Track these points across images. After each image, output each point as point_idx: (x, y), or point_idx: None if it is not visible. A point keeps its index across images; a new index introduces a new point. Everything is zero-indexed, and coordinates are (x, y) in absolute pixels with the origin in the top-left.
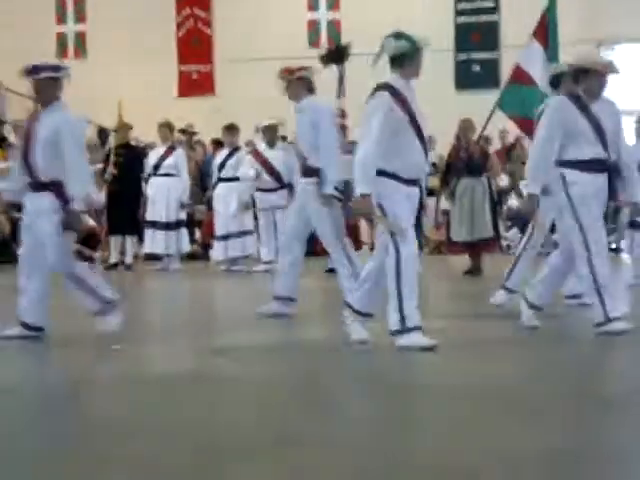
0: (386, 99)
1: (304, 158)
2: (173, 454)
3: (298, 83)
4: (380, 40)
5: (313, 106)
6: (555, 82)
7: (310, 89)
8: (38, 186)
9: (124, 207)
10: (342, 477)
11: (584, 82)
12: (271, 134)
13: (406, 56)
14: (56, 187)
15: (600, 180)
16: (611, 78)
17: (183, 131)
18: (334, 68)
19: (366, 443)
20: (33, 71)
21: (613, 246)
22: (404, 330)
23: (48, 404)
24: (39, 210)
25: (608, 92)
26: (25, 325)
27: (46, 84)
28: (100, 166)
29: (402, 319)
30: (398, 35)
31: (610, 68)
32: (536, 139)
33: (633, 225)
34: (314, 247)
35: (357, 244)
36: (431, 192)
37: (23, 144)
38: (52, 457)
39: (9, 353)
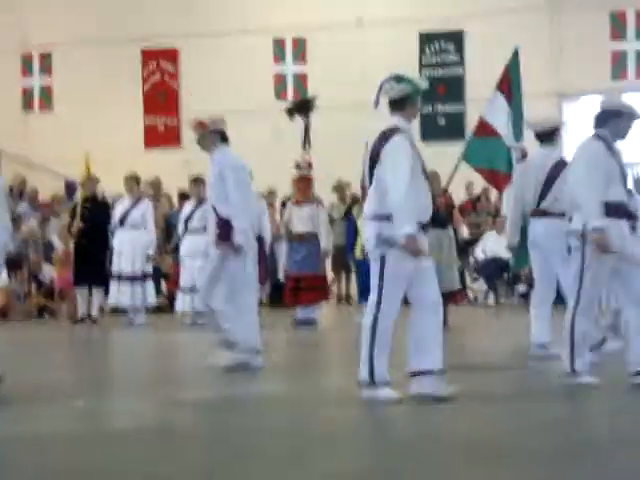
0: (406, 141)
1: (214, 209)
2: None
3: (210, 136)
4: (345, 92)
5: (221, 159)
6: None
7: (224, 139)
8: None
9: (91, 259)
10: None
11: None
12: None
13: (408, 99)
14: None
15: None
16: (572, 129)
17: (136, 179)
18: (301, 120)
19: None
20: None
21: None
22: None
23: (8, 458)
24: None
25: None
26: None
27: None
28: (67, 220)
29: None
30: (399, 78)
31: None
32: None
33: None
34: (282, 298)
35: (324, 294)
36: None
37: None
38: None
39: None
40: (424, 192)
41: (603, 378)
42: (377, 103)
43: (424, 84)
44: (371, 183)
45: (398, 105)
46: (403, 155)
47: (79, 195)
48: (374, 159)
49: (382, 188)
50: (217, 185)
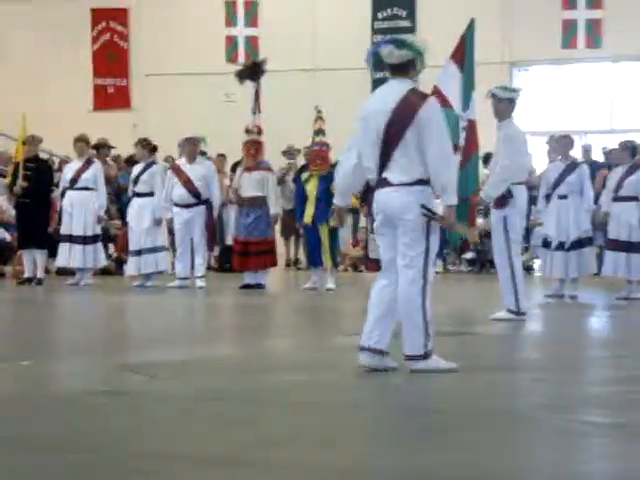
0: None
1: None
2: (76, 468)
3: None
4: (297, 56)
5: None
6: None
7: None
8: None
9: (34, 221)
10: None
11: None
12: (191, 148)
13: (410, 63)
14: None
15: None
16: (523, 99)
17: (96, 147)
18: (252, 84)
19: (276, 458)
20: None
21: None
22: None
23: None
24: None
25: (519, 113)
26: None
27: None
28: (7, 179)
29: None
30: (400, 43)
31: None
32: None
33: (545, 245)
34: (230, 263)
35: (273, 259)
36: (351, 210)
37: None
38: None
39: None
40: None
41: None
42: (369, 63)
43: (424, 47)
44: (393, 148)
45: (401, 69)
46: (444, 122)
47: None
48: (403, 121)
49: (419, 154)
50: None
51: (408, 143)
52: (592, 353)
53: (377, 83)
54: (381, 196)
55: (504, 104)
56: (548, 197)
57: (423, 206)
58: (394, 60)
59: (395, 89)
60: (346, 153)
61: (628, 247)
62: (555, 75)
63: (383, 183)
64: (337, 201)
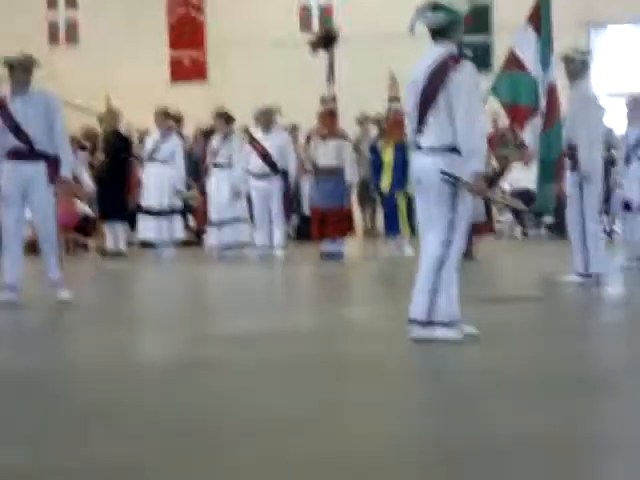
0: (475, 70)
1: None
2: (164, 436)
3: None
4: (371, 24)
5: None
6: None
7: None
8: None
9: (113, 194)
10: (330, 459)
11: None
12: (266, 119)
13: (449, 27)
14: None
15: None
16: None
17: (166, 114)
18: (325, 54)
19: (353, 426)
20: None
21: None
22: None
23: (45, 389)
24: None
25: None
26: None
27: None
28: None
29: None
30: (435, 6)
31: None
32: None
33: (627, 208)
34: (309, 232)
35: (350, 228)
36: None
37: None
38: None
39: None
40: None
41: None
42: (412, 30)
43: (463, 9)
44: (426, 112)
45: (441, 34)
46: (477, 87)
47: (100, 129)
48: (436, 85)
49: (449, 119)
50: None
51: (440, 107)
52: None
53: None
54: (414, 160)
55: (577, 65)
56: (628, 159)
57: (444, 172)
58: (431, 25)
59: (433, 54)
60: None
61: None
62: (634, 34)
63: (417, 147)
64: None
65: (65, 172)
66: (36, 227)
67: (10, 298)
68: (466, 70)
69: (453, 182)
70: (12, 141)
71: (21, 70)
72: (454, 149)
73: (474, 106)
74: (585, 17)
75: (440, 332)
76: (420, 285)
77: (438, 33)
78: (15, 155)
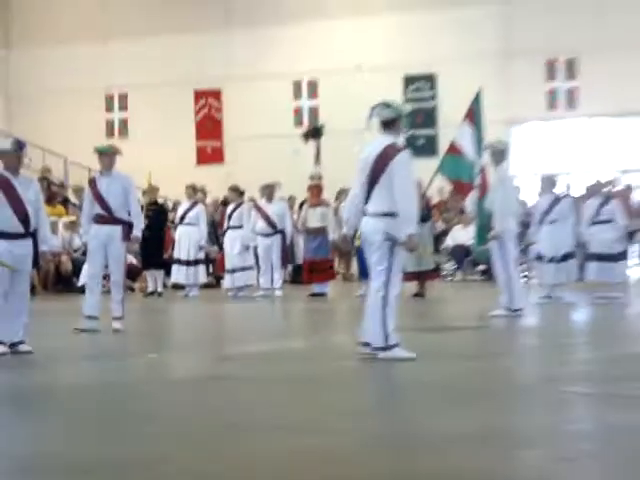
0: (410, 156)
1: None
2: (199, 431)
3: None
4: (347, 120)
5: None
6: None
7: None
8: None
9: (153, 249)
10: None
11: None
12: (269, 192)
13: (395, 120)
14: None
15: None
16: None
17: (194, 188)
18: (314, 143)
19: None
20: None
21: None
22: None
23: (93, 403)
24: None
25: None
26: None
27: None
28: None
29: (386, 337)
30: (386, 104)
31: None
32: None
33: (539, 259)
34: (300, 277)
35: (332, 274)
36: None
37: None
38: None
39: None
40: (417, 198)
41: None
42: (367, 125)
43: (406, 108)
44: (373, 186)
45: (388, 125)
46: (410, 169)
47: (143, 200)
48: (379, 167)
49: (389, 192)
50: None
51: (382, 184)
52: (576, 340)
53: (408, 138)
54: (362, 222)
55: (497, 153)
56: (541, 222)
57: (387, 233)
58: (381, 118)
59: (380, 143)
60: (351, 191)
61: (607, 258)
62: (543, 129)
63: (365, 212)
64: (344, 230)
65: (137, 233)
66: (111, 272)
67: (92, 326)
68: (403, 158)
69: (393, 240)
70: (98, 209)
71: (108, 156)
72: (392, 214)
73: (408, 185)
74: (507, 116)
75: (399, 352)
76: (370, 317)
77: (386, 125)
78: (100, 220)
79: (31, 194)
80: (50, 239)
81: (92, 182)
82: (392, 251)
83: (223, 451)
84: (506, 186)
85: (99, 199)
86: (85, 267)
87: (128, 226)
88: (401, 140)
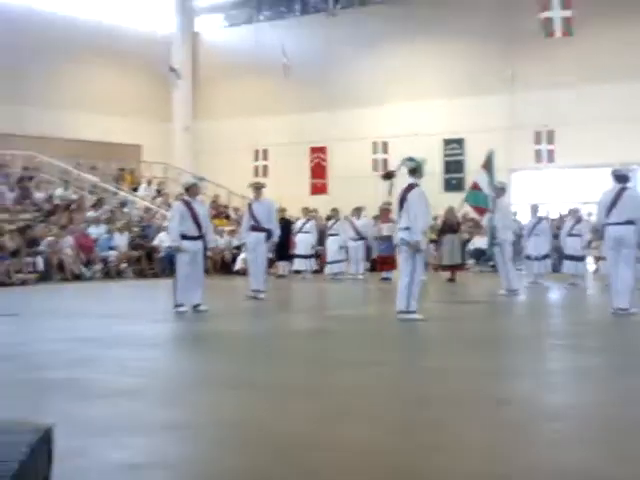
0: (422, 191)
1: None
2: (306, 362)
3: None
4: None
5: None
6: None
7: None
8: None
9: (282, 247)
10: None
11: None
12: (357, 212)
13: (416, 169)
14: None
15: None
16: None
17: (307, 210)
18: (387, 182)
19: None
20: None
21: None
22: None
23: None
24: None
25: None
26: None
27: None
28: None
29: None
30: (410, 159)
31: None
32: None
33: (528, 258)
34: (375, 267)
35: (395, 265)
36: (433, 240)
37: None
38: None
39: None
40: (429, 217)
41: None
42: (399, 169)
43: (424, 162)
44: (401, 210)
45: (412, 172)
46: (422, 199)
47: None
48: (403, 198)
49: (408, 214)
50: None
51: (404, 209)
52: (553, 310)
53: (445, 179)
54: (397, 233)
55: (499, 190)
56: (529, 235)
57: (403, 239)
58: (408, 167)
59: (406, 183)
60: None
61: (575, 258)
62: (532, 175)
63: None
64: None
65: (275, 239)
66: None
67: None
68: (416, 191)
69: (408, 244)
70: (251, 222)
71: (259, 189)
72: (409, 228)
73: (418, 210)
74: (509, 166)
75: (413, 315)
76: (399, 293)
77: (411, 172)
78: (252, 229)
79: (205, 210)
80: (213, 240)
81: (249, 205)
82: (414, 254)
83: (329, 372)
84: (505, 211)
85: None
86: (240, 258)
87: (269, 233)
88: (420, 181)
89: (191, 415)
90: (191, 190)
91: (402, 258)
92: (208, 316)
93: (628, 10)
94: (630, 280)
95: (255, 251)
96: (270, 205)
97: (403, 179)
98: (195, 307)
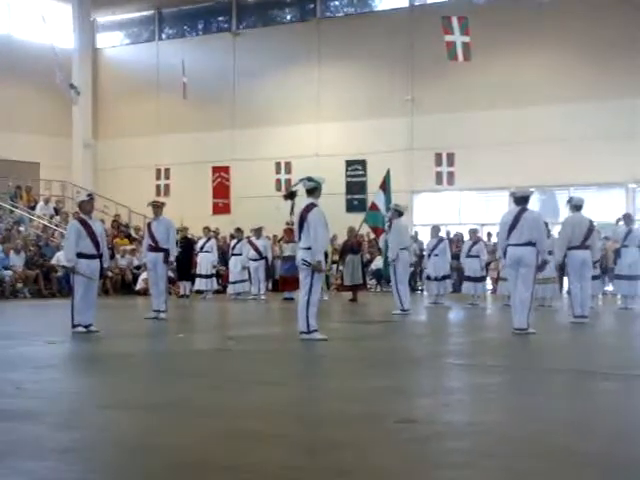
0: (321, 211)
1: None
2: (212, 381)
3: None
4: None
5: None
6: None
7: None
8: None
9: (184, 266)
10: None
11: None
12: (258, 232)
13: (315, 189)
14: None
15: None
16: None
17: (209, 229)
18: (290, 202)
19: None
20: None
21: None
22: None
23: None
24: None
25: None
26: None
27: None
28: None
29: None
30: (309, 178)
31: None
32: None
33: (428, 278)
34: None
35: (297, 285)
36: (334, 261)
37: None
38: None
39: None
40: (327, 237)
41: None
42: (296, 187)
43: (322, 181)
44: (301, 230)
45: (311, 192)
46: (321, 220)
47: (178, 236)
48: (302, 218)
49: (308, 234)
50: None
51: (304, 229)
52: (452, 330)
53: (348, 200)
54: (297, 253)
55: (394, 212)
56: (429, 255)
57: (304, 260)
58: (306, 187)
59: (305, 203)
60: None
61: (475, 279)
62: (433, 197)
63: (299, 247)
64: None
65: (172, 258)
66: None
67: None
68: (316, 211)
69: (308, 265)
70: (149, 242)
71: (156, 207)
72: (309, 248)
73: (317, 230)
74: (410, 188)
75: (315, 335)
76: (299, 314)
77: (309, 192)
78: (150, 249)
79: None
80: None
81: (148, 224)
82: (312, 273)
83: (230, 392)
84: (400, 232)
85: (151, 236)
86: (141, 277)
87: (167, 252)
88: (319, 201)
89: (89, 438)
90: (83, 207)
91: (301, 278)
92: (107, 336)
93: (519, 39)
94: (527, 300)
95: (154, 271)
96: (169, 224)
97: (303, 199)
98: (86, 327)
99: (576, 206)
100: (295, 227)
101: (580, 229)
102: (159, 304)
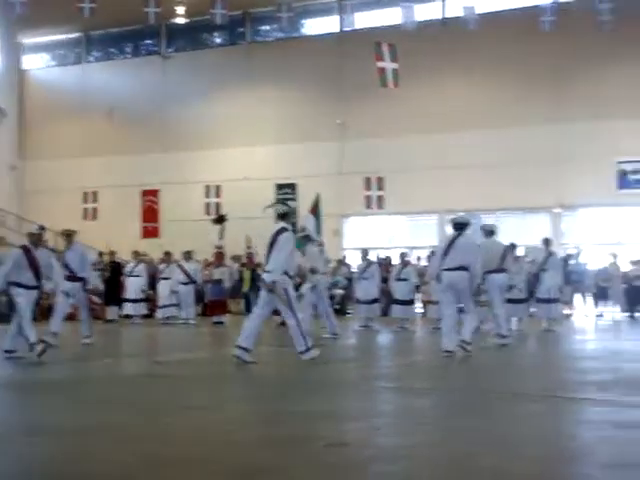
0: (291, 236)
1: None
2: (141, 406)
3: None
4: (240, 212)
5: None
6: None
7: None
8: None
9: (112, 291)
10: None
11: None
12: (187, 255)
13: (287, 214)
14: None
15: None
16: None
17: (137, 253)
18: (219, 226)
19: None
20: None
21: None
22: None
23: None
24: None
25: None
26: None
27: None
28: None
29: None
30: (283, 203)
31: None
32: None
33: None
34: (206, 311)
35: (226, 309)
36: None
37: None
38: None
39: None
40: (293, 261)
41: None
42: (265, 210)
43: (293, 207)
44: (270, 253)
45: (282, 216)
46: (289, 244)
47: (106, 259)
48: (274, 241)
49: (275, 257)
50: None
51: (273, 251)
52: (381, 353)
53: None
54: (263, 275)
55: (303, 238)
56: (358, 279)
57: (265, 281)
58: (280, 211)
59: (276, 227)
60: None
61: (404, 303)
62: (362, 220)
63: (264, 270)
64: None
65: (89, 286)
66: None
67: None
68: (287, 235)
69: (272, 287)
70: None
71: (68, 236)
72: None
73: (282, 253)
74: (340, 212)
75: (312, 353)
76: (293, 337)
77: (281, 216)
78: (67, 278)
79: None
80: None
81: (62, 255)
82: (287, 290)
83: (157, 417)
84: (314, 257)
85: (65, 265)
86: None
87: (84, 281)
88: (289, 225)
89: (5, 466)
90: (30, 238)
91: (277, 304)
92: (32, 363)
93: (445, 66)
94: (453, 323)
95: (77, 299)
96: (82, 252)
97: (270, 222)
98: (10, 352)
99: (489, 232)
100: (266, 250)
101: (494, 254)
102: (85, 329)
